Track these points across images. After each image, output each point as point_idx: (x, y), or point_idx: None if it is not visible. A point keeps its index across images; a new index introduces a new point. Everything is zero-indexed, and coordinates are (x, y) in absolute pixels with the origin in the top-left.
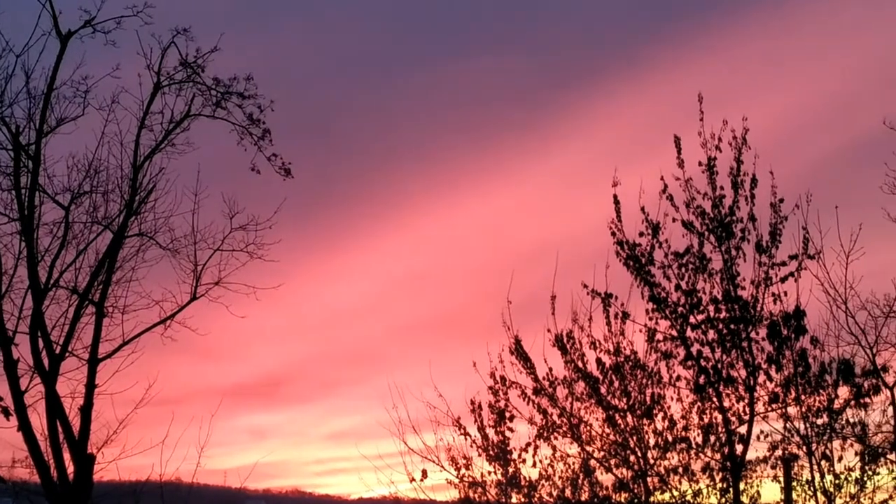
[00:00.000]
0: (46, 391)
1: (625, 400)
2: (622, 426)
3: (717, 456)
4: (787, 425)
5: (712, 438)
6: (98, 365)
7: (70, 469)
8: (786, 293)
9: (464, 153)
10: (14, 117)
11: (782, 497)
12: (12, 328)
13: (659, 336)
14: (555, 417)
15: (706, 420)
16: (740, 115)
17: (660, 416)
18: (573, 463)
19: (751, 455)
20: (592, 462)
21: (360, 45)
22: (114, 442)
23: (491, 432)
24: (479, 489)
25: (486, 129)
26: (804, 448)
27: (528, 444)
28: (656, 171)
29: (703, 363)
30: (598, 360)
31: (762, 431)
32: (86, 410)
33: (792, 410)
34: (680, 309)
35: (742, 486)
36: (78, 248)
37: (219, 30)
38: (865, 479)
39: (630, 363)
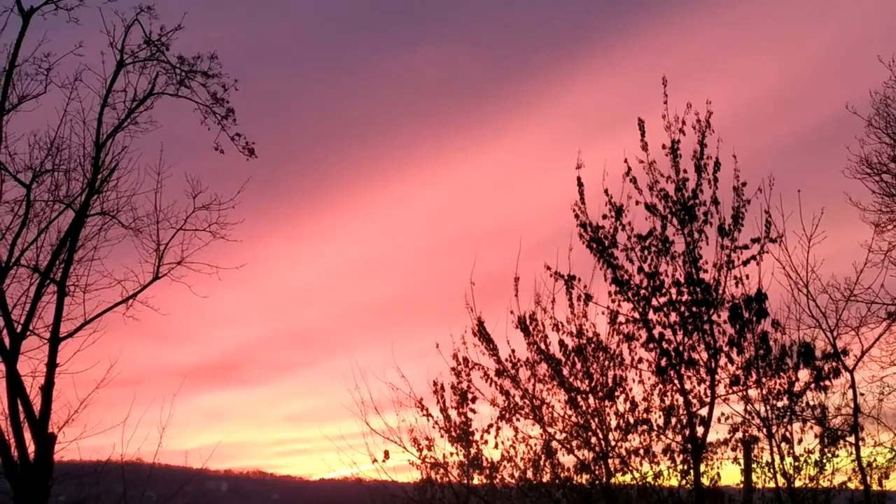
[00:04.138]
0: (7, 370)
1: (587, 382)
2: (584, 408)
3: (679, 438)
4: (748, 408)
5: (673, 420)
6: (59, 344)
7: (31, 448)
8: (748, 276)
9: (426, 136)
10: None
11: (742, 479)
12: None
13: (621, 318)
14: (517, 399)
15: (667, 402)
16: (704, 99)
17: (621, 398)
18: (535, 444)
19: (711, 437)
20: (554, 444)
21: (324, 28)
22: (75, 422)
23: (453, 413)
24: (441, 470)
25: (448, 111)
26: (764, 430)
27: (491, 426)
28: (620, 153)
29: (664, 345)
30: (561, 342)
31: (723, 414)
32: (47, 390)
33: (753, 393)
34: (642, 291)
35: (703, 467)
36: (39, 226)
37: (183, 8)
38: (825, 461)
39: (592, 345)
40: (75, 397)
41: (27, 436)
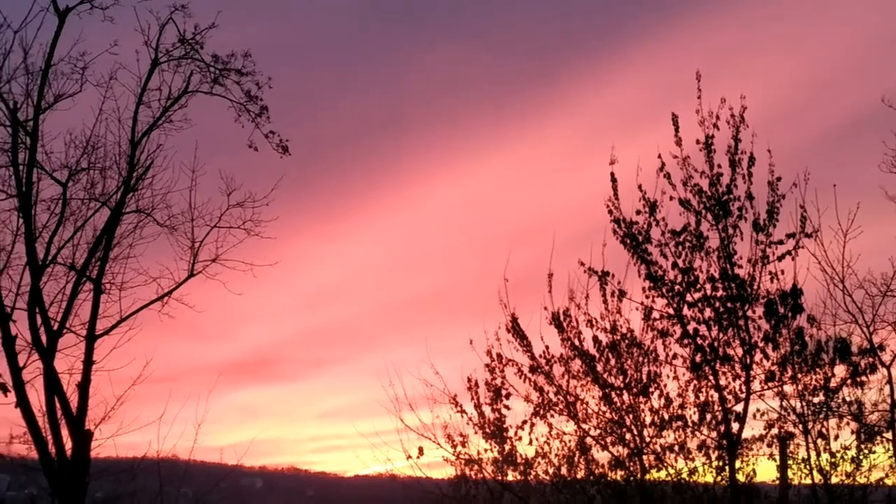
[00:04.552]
0: (44, 367)
1: (621, 378)
2: (618, 404)
3: (714, 434)
4: (784, 403)
5: (708, 416)
6: (96, 341)
7: (68, 445)
8: (783, 272)
9: (459, 131)
10: (12, 93)
11: (778, 475)
12: (10, 304)
13: (655, 314)
14: (551, 395)
15: (702, 398)
16: (738, 94)
17: (656, 394)
18: (569, 441)
19: (747, 433)
20: (588, 440)
21: (355, 27)
22: (111, 418)
23: (487, 410)
24: (476, 467)
25: (482, 106)
26: (800, 426)
27: (525, 422)
28: (653, 148)
29: (699, 341)
30: (595, 338)
31: (758, 410)
32: (83, 387)
33: (788, 389)
34: (677, 287)
35: (738, 464)
36: (76, 224)
37: (216, 6)
38: (861, 457)
39: (626, 341)
40: (111, 394)
41: (64, 433)
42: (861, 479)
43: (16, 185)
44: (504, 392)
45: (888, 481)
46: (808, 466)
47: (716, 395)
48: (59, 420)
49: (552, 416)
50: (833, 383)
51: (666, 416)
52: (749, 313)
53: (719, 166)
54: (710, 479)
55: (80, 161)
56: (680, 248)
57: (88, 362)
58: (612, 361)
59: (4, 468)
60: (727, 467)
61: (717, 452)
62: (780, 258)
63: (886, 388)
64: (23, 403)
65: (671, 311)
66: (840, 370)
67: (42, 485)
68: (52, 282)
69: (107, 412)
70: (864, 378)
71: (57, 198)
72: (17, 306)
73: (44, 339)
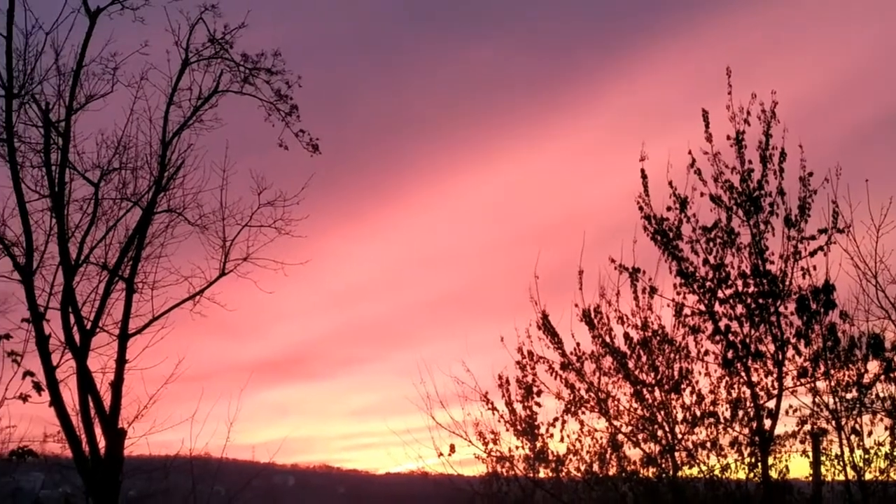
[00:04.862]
0: (78, 367)
1: (652, 374)
2: (650, 401)
3: (746, 430)
4: (816, 400)
5: (740, 413)
6: (128, 340)
7: (101, 444)
8: (815, 267)
9: (490, 129)
10: (44, 94)
11: (811, 472)
12: (44, 304)
13: (687, 311)
14: (582, 392)
15: (734, 395)
16: (769, 89)
17: (688, 390)
18: (601, 437)
19: (779, 430)
20: (620, 437)
21: (384, 25)
22: (144, 417)
23: (518, 407)
24: (507, 464)
25: (511, 104)
26: (833, 423)
27: (556, 419)
28: (683, 144)
29: (731, 338)
30: (626, 335)
31: (791, 406)
32: (116, 386)
33: (821, 385)
34: (708, 283)
35: (771, 460)
36: (108, 224)
37: (246, 6)
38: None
39: (658, 338)
40: (144, 393)
41: (98, 431)
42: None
43: (48, 186)
44: (535, 389)
45: None
46: (841, 463)
47: (748, 392)
48: (92, 419)
49: (583, 413)
50: (866, 379)
51: (698, 413)
52: (781, 309)
53: (750, 162)
54: (742, 475)
55: (112, 161)
56: (711, 244)
57: (121, 361)
58: (644, 358)
59: (39, 467)
60: (760, 464)
61: (749, 449)
62: (812, 254)
63: None
64: (56, 402)
65: (702, 307)
66: (873, 366)
67: (76, 483)
68: (85, 281)
69: (139, 411)
70: None
71: (89, 198)
72: (50, 306)
73: (77, 338)
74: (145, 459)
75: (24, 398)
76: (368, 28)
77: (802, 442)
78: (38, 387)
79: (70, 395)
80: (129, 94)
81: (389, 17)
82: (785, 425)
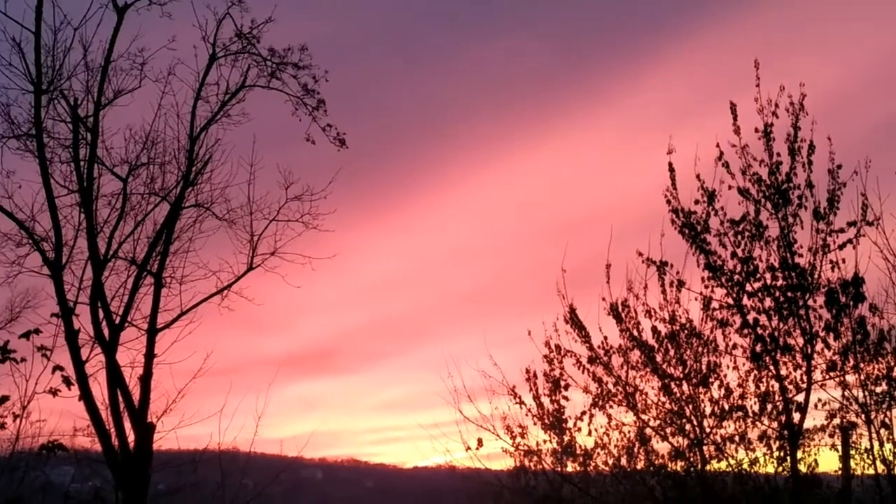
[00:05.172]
0: (107, 361)
1: (680, 368)
2: (678, 395)
3: (775, 424)
4: (846, 393)
5: (769, 407)
6: (157, 335)
7: (131, 438)
8: (844, 260)
9: (517, 122)
10: (72, 90)
11: (840, 466)
12: (73, 299)
13: (715, 304)
14: (610, 386)
15: (763, 388)
16: (797, 81)
17: (716, 384)
18: (629, 431)
19: (808, 424)
20: (648, 431)
21: (410, 19)
22: (173, 411)
23: (546, 401)
24: (535, 458)
25: (539, 97)
26: (863, 416)
27: (584, 413)
28: (711, 137)
29: (759, 331)
30: (654, 329)
31: (820, 400)
32: (145, 380)
33: (850, 378)
34: (736, 277)
35: (800, 454)
36: (136, 219)
37: (273, 1)
38: None
39: (686, 331)
40: (173, 387)
41: (127, 425)
42: None
43: (77, 181)
44: (563, 383)
45: None
46: (870, 457)
47: (776, 385)
48: (121, 413)
49: (611, 406)
50: None
51: (726, 407)
52: (810, 302)
53: (778, 155)
54: (771, 469)
55: (140, 156)
56: (739, 237)
57: (150, 355)
58: (672, 352)
59: (68, 461)
60: (789, 458)
61: (778, 443)
62: (841, 247)
63: None
64: (86, 397)
65: (731, 300)
66: None
67: (105, 477)
68: (114, 276)
69: (168, 405)
70: None
71: (117, 193)
72: (79, 301)
73: (106, 332)
74: (174, 453)
75: (54, 392)
76: (394, 23)
77: (832, 436)
78: (67, 381)
79: (99, 390)
80: (157, 89)
81: (414, 11)
82: (814, 419)
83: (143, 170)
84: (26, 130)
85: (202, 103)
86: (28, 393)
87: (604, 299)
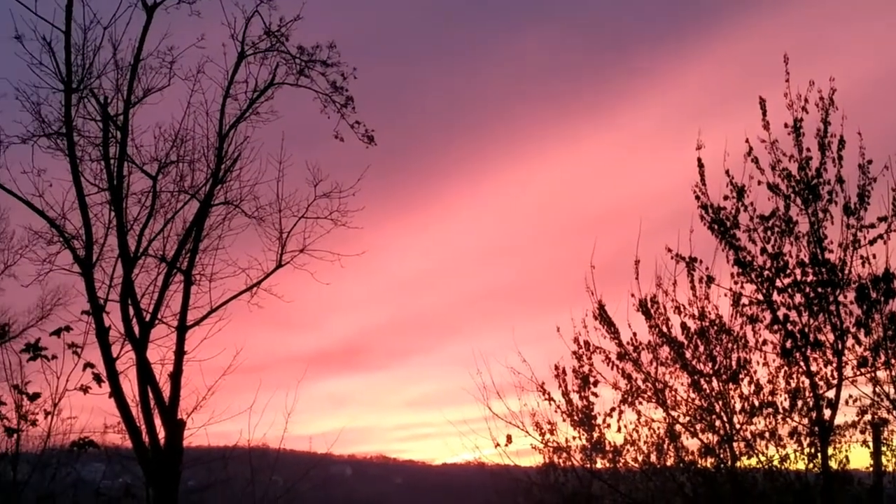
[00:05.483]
0: (137, 358)
1: (710, 364)
2: (708, 391)
3: (805, 421)
4: (877, 389)
5: (799, 403)
6: (187, 332)
7: (161, 434)
8: (874, 256)
9: (541, 120)
10: (102, 88)
11: (872, 462)
12: (103, 296)
13: (744, 300)
14: (639, 382)
15: (793, 384)
16: (826, 75)
17: (746, 380)
18: (658, 428)
19: (839, 420)
20: (678, 427)
21: (437, 15)
22: (203, 408)
23: (575, 397)
24: (564, 454)
25: (565, 94)
26: (894, 412)
27: (613, 409)
28: (740, 132)
29: (789, 327)
30: (683, 325)
31: (851, 396)
32: (175, 377)
33: (881, 374)
34: (766, 272)
35: (830, 450)
36: (166, 216)
37: None
38: None
39: (715, 327)
40: (203, 384)
41: (157, 422)
42: None
43: (107, 179)
44: (592, 379)
45: None
46: None
47: (807, 382)
48: (152, 410)
49: (640, 403)
50: None
51: (756, 403)
52: (840, 298)
53: (808, 150)
54: (801, 466)
55: (170, 154)
56: (769, 233)
57: (180, 353)
58: (701, 348)
59: (99, 458)
60: (819, 454)
61: (808, 439)
62: (872, 242)
63: None
64: (117, 394)
65: (760, 296)
66: None
67: (136, 473)
68: (144, 274)
69: (198, 402)
70: None
71: (147, 191)
72: (109, 298)
73: (136, 330)
74: (204, 450)
75: (85, 389)
76: (423, 19)
77: (863, 432)
78: (98, 378)
79: (130, 387)
80: (186, 87)
81: (444, 6)
82: (845, 415)
83: (172, 167)
84: (57, 129)
85: (231, 101)
86: (59, 390)
87: (633, 295)
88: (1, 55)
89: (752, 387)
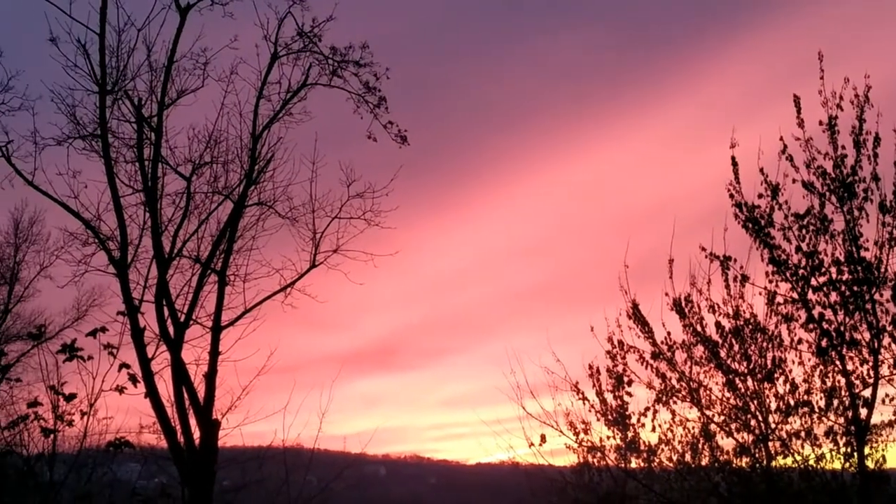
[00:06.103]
0: (172, 358)
1: (745, 363)
2: (742, 390)
3: (841, 420)
4: None
5: (835, 402)
6: (221, 332)
7: (196, 434)
8: None
9: (574, 119)
10: (136, 90)
11: None
12: (138, 297)
13: (779, 299)
14: (674, 382)
15: (829, 383)
16: (861, 72)
17: (781, 379)
18: (693, 427)
19: (875, 419)
20: (712, 426)
21: (473, 16)
22: (237, 408)
23: (609, 397)
24: (599, 454)
25: (599, 92)
26: None
27: (647, 409)
28: (774, 130)
29: (825, 326)
30: (718, 324)
31: (887, 395)
32: (210, 377)
33: None
34: (801, 271)
35: (867, 450)
36: (200, 217)
37: None
38: None
39: (750, 326)
40: (237, 384)
41: (192, 422)
42: None
43: (142, 180)
44: (626, 379)
45: None
46: None
47: (843, 381)
48: (187, 410)
49: (675, 402)
50: None
51: (791, 402)
52: (876, 297)
53: (843, 147)
54: (838, 465)
55: (204, 155)
56: (804, 231)
57: (214, 353)
58: (736, 347)
59: (135, 458)
60: (856, 454)
61: (845, 438)
62: None
63: None
64: (152, 394)
65: (795, 295)
66: None
67: (172, 474)
68: (178, 274)
69: (233, 402)
70: None
71: (181, 192)
72: (144, 299)
73: (171, 330)
74: (239, 450)
75: (121, 390)
76: (456, 19)
77: None
78: (133, 379)
79: (165, 387)
80: (220, 88)
81: (477, 7)
82: (881, 414)
83: (206, 169)
84: (91, 131)
85: (264, 102)
86: (95, 390)
87: (667, 294)
88: (36, 58)
89: (788, 386)
